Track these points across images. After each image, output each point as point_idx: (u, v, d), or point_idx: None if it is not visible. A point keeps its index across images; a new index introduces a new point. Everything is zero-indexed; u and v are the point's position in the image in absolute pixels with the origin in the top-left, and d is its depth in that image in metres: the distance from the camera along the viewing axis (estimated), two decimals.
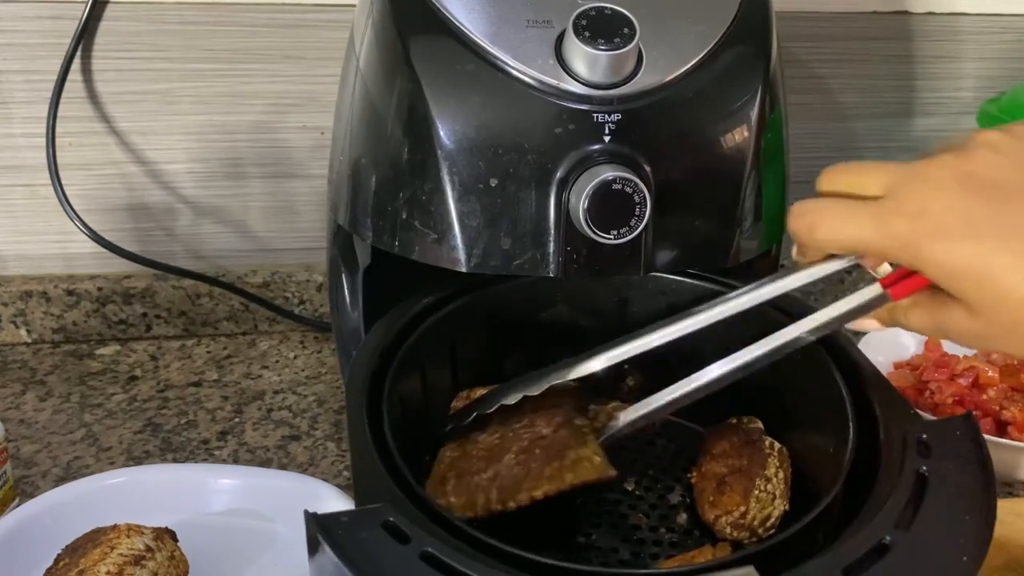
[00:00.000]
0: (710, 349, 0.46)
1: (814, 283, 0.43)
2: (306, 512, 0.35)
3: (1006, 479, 0.62)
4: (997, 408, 0.64)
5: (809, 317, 0.44)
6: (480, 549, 0.36)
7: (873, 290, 0.41)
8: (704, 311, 0.46)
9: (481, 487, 0.45)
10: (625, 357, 0.47)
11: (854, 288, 0.42)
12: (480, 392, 0.52)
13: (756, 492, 0.47)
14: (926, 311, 0.40)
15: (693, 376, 0.46)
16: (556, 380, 0.47)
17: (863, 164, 0.39)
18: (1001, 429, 0.63)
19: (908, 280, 0.40)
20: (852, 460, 0.42)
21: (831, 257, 0.42)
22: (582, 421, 0.48)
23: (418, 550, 0.34)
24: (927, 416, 0.62)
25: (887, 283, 0.41)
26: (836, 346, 0.49)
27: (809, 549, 0.37)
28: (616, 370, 0.59)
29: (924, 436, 0.42)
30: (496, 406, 0.48)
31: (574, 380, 0.48)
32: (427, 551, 0.34)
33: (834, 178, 0.40)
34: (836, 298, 0.43)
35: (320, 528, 0.34)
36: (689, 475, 0.53)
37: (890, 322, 0.43)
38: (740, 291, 0.46)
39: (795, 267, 0.44)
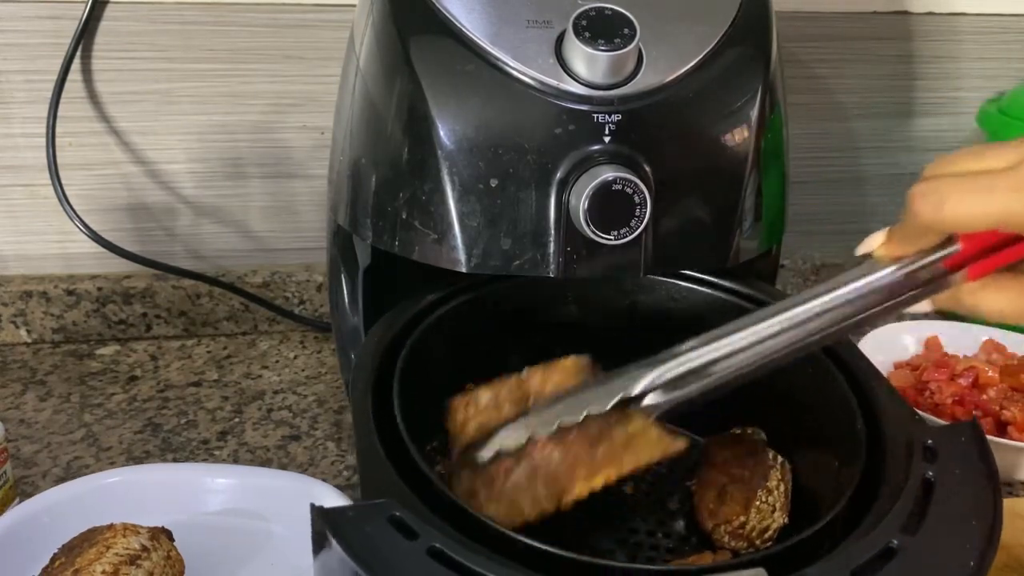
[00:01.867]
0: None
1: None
2: (312, 506, 0.35)
3: (1006, 479, 0.62)
4: (997, 408, 0.64)
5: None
6: (489, 544, 0.36)
7: (938, 270, 0.38)
8: (764, 320, 0.42)
9: (521, 488, 0.41)
10: (678, 373, 0.42)
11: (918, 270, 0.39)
12: (485, 394, 0.48)
13: (757, 503, 0.47)
14: (1007, 292, 0.37)
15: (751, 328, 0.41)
16: (594, 408, 0.43)
17: (980, 146, 0.37)
18: (1001, 429, 0.63)
19: (987, 260, 0.37)
20: (863, 468, 0.42)
21: (918, 254, 0.38)
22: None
23: (426, 545, 0.34)
24: (928, 417, 0.62)
25: (953, 264, 0.38)
26: (839, 351, 0.49)
27: (817, 553, 0.36)
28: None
29: (930, 442, 0.41)
30: (522, 442, 0.43)
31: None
32: (435, 546, 0.34)
33: (951, 160, 0.37)
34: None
35: (327, 522, 0.34)
36: (689, 483, 0.53)
37: (951, 305, 0.40)
38: (809, 295, 0.41)
39: (874, 263, 0.40)
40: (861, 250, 0.41)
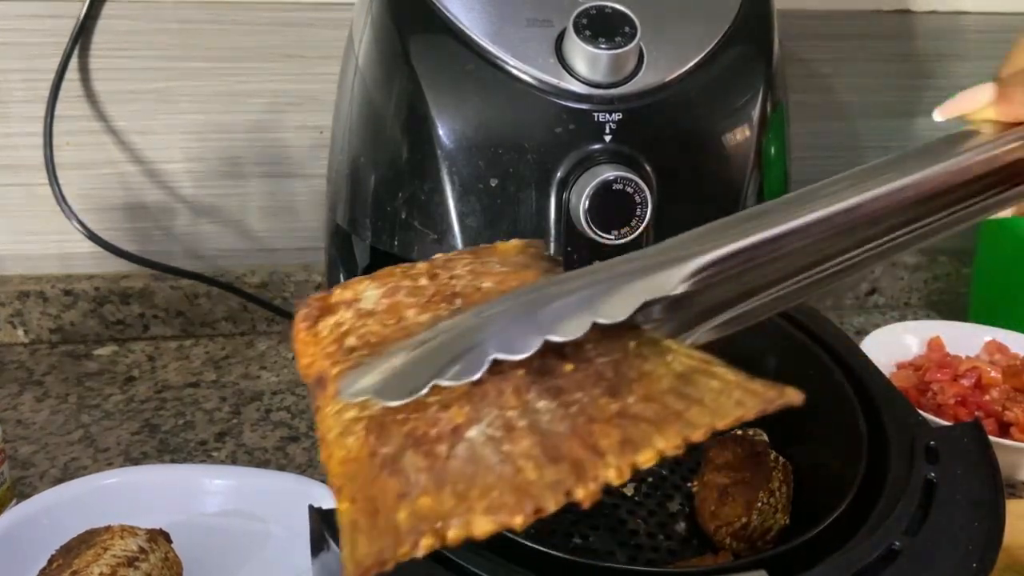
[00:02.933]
0: None
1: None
2: (311, 507, 0.35)
3: (1008, 480, 0.62)
4: (1000, 409, 0.64)
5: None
6: (489, 546, 0.35)
7: None
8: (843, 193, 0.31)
9: (488, 464, 0.23)
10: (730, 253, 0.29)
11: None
12: (371, 289, 0.30)
13: (759, 504, 0.47)
14: None
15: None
16: (605, 315, 0.26)
17: None
18: (1004, 430, 0.63)
19: None
20: (865, 469, 0.42)
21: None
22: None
23: None
24: (930, 418, 0.61)
25: None
26: (841, 352, 0.49)
27: (819, 555, 0.36)
28: None
29: (932, 443, 0.41)
30: (477, 374, 0.25)
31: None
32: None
33: None
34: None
35: (326, 524, 0.34)
36: (690, 484, 0.52)
37: None
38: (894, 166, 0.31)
39: (972, 134, 0.31)
40: (945, 113, 0.32)
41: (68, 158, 0.75)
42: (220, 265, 0.81)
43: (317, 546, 0.35)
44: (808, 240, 0.30)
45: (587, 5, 0.48)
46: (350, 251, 0.59)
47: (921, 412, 0.56)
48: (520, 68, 0.48)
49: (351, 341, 0.29)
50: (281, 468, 0.62)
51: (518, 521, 0.22)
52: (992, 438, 0.52)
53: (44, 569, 0.45)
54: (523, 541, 0.36)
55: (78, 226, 0.74)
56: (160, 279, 0.78)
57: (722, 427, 0.25)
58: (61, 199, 0.73)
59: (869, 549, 0.35)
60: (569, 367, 0.25)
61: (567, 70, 0.48)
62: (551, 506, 0.23)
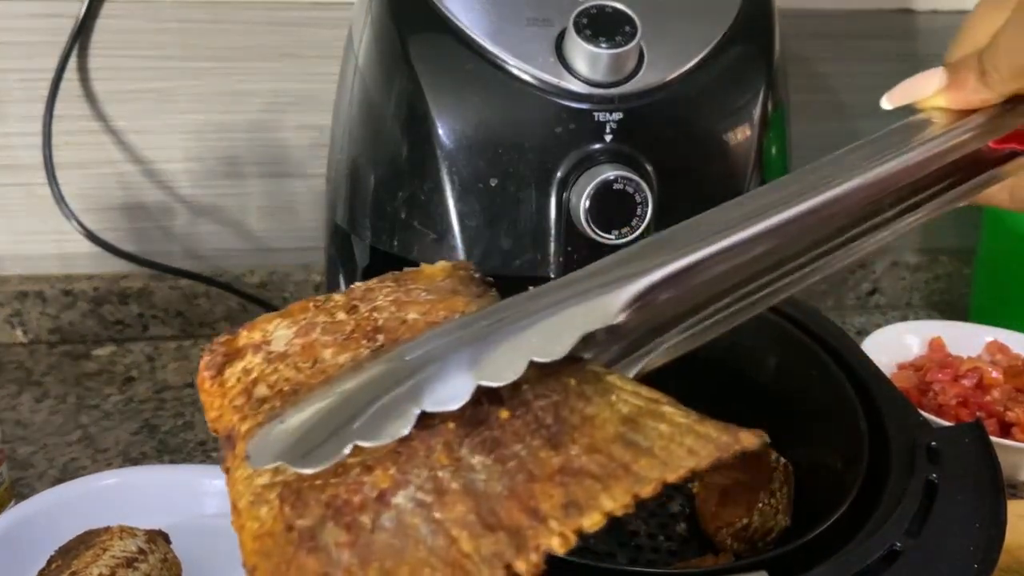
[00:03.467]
0: None
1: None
2: None
3: (1010, 480, 0.62)
4: (1001, 409, 0.64)
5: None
6: None
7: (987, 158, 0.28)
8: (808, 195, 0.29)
9: (417, 539, 0.21)
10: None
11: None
12: (281, 329, 0.27)
13: (759, 505, 0.47)
14: None
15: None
16: (542, 352, 0.24)
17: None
18: (1005, 430, 0.63)
19: None
20: (866, 470, 0.42)
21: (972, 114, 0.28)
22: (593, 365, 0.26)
23: None
24: (932, 418, 0.61)
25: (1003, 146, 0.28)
26: (842, 352, 0.49)
27: (820, 556, 0.36)
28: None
29: (933, 443, 0.41)
30: (403, 432, 0.22)
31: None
32: None
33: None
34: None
35: None
36: (690, 485, 0.52)
37: (1018, 198, 0.30)
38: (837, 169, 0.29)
39: (923, 122, 0.30)
40: (893, 101, 0.30)
41: (67, 158, 0.75)
42: (219, 265, 0.81)
43: None
44: (756, 251, 0.28)
45: (587, 4, 0.48)
46: (350, 251, 0.59)
47: (922, 412, 0.56)
48: (520, 68, 0.48)
49: (261, 390, 0.26)
50: None
51: None
52: (993, 439, 0.51)
53: (43, 570, 0.45)
54: None
55: (77, 226, 0.74)
56: (159, 279, 0.78)
57: (673, 480, 0.23)
58: (60, 199, 0.73)
59: (870, 550, 0.35)
60: (505, 414, 0.23)
61: (567, 69, 0.48)
62: None
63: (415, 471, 0.22)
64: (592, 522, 0.22)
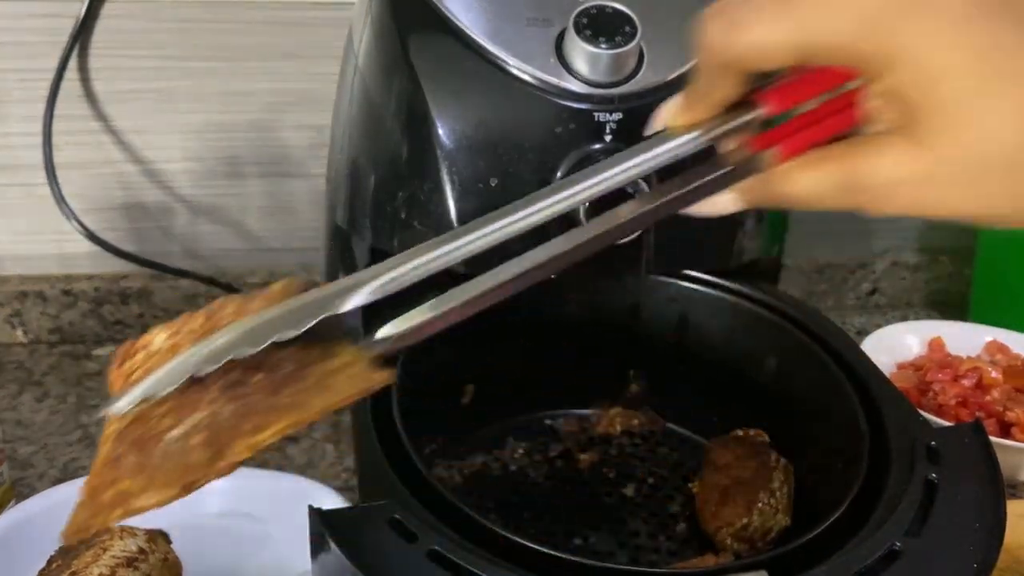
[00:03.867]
0: None
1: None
2: (310, 508, 0.34)
3: (1009, 480, 0.62)
4: (1001, 409, 0.64)
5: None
6: (489, 547, 0.35)
7: (740, 154, 0.32)
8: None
9: (173, 452, 0.31)
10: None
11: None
12: (161, 335, 0.38)
13: (759, 505, 0.47)
14: (828, 166, 0.32)
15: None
16: (283, 333, 0.32)
17: None
18: (1005, 430, 0.63)
19: (800, 135, 0.32)
20: (866, 470, 0.42)
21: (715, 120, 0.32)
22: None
23: (425, 548, 0.34)
24: (931, 418, 0.61)
25: (762, 144, 0.32)
26: (842, 352, 0.49)
27: (820, 555, 0.36)
28: (618, 372, 0.58)
29: (933, 443, 0.41)
30: (176, 384, 0.32)
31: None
32: (434, 549, 0.34)
33: None
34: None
35: (326, 525, 0.34)
36: (691, 484, 0.52)
37: (762, 194, 0.34)
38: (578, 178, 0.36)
39: (667, 134, 0.34)
40: (654, 126, 0.35)
41: (67, 158, 0.75)
42: (219, 265, 0.81)
43: (317, 547, 0.34)
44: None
45: (587, 4, 0.48)
46: (350, 251, 0.59)
47: (922, 412, 0.56)
48: (520, 68, 0.48)
49: (138, 374, 0.35)
50: (281, 468, 0.62)
51: (172, 493, 0.31)
52: (993, 439, 0.51)
53: (43, 570, 0.45)
54: (524, 542, 0.36)
55: (77, 226, 0.74)
56: (159, 279, 0.78)
57: (333, 407, 0.32)
58: (60, 199, 0.73)
59: (870, 550, 0.35)
60: (259, 376, 0.32)
61: (567, 70, 0.48)
62: (202, 480, 0.31)
63: (187, 416, 0.31)
64: (264, 436, 0.31)
